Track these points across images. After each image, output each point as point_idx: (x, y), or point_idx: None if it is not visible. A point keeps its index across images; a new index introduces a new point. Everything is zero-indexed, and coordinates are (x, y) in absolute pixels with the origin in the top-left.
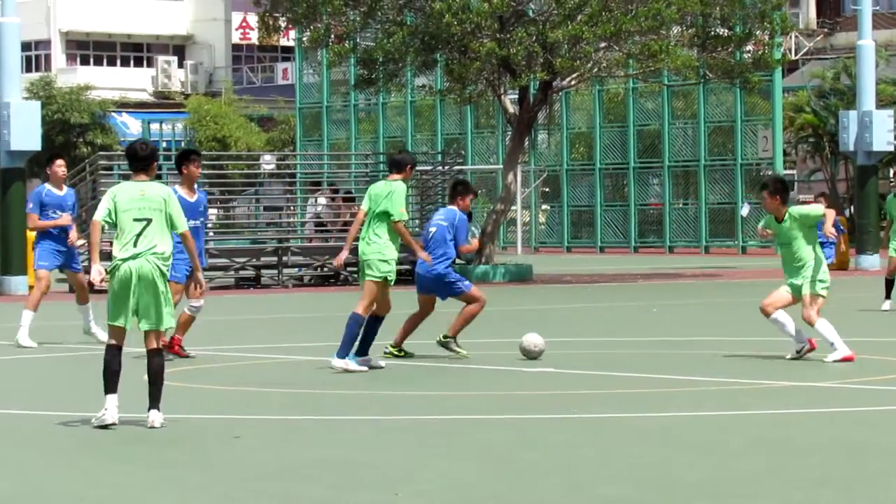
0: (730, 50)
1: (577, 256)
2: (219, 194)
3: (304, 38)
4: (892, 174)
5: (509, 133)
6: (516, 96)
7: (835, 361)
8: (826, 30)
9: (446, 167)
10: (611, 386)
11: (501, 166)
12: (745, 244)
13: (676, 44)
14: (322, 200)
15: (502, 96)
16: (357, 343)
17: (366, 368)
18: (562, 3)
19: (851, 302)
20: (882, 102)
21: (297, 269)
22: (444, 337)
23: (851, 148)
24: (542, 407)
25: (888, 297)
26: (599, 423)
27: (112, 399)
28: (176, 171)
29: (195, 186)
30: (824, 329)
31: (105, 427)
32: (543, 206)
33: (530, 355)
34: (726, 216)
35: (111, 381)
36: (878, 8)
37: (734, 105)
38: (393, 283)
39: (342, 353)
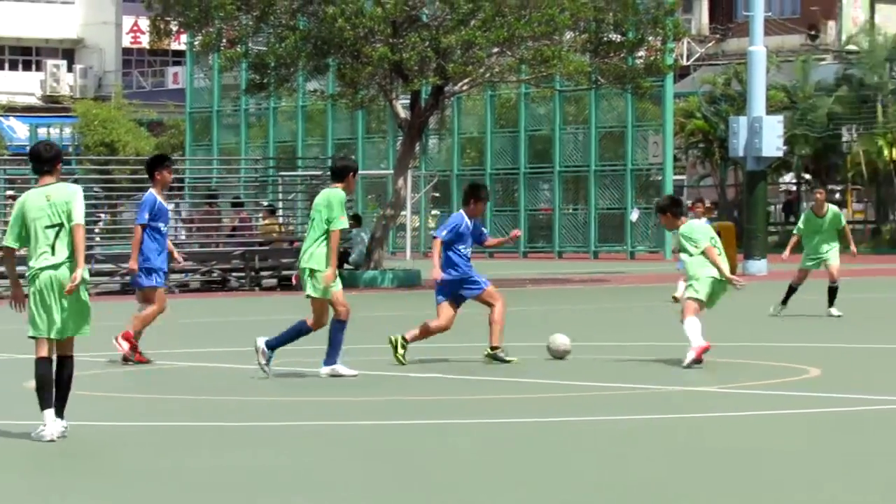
0: (622, 55)
1: None
2: (106, 199)
3: (196, 43)
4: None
5: (400, 138)
6: (408, 101)
7: (688, 364)
8: (718, 36)
9: None
10: (499, 391)
11: (392, 171)
12: (634, 249)
13: (569, 49)
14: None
15: (394, 101)
16: (277, 337)
17: (356, 373)
18: (455, 8)
19: (739, 307)
20: (772, 108)
21: (183, 275)
22: (492, 349)
23: (741, 153)
24: (431, 412)
25: (784, 303)
26: (488, 428)
27: (49, 414)
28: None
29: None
30: (687, 327)
31: (48, 441)
32: (433, 212)
33: (557, 355)
34: (616, 221)
35: (46, 396)
36: (769, 14)
37: (625, 110)
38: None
39: (330, 361)
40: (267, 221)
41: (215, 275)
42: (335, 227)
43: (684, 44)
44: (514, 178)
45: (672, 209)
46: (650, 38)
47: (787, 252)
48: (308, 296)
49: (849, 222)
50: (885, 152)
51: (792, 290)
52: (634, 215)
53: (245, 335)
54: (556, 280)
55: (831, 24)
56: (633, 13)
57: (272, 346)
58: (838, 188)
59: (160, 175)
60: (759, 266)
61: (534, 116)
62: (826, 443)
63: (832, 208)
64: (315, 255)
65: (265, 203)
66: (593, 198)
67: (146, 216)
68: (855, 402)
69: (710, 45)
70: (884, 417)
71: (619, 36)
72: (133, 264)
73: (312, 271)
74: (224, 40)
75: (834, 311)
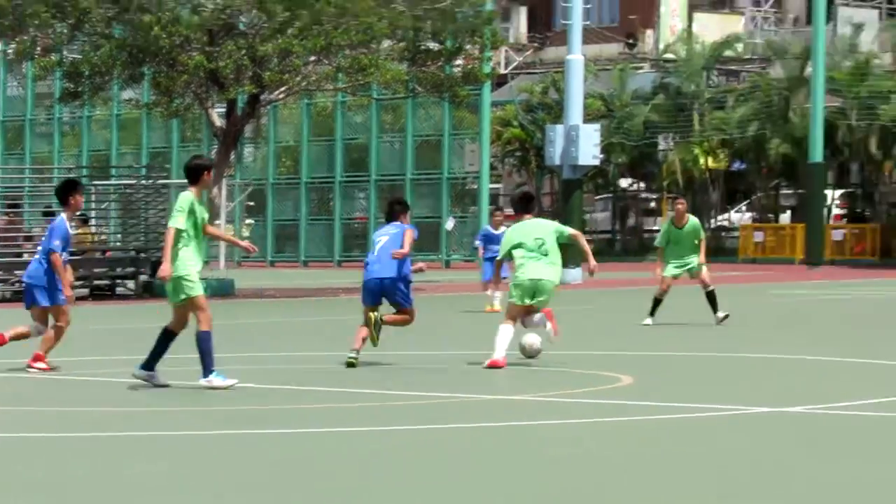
0: (440, 64)
1: (280, 271)
2: None
3: (10, 51)
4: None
5: (216, 147)
6: (224, 110)
7: (486, 367)
8: (536, 44)
9: (150, 181)
10: (308, 401)
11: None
12: (450, 258)
13: (386, 58)
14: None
15: (210, 109)
16: (147, 356)
17: (234, 382)
18: (272, 16)
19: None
20: (589, 117)
21: None
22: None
23: (557, 162)
24: (235, 422)
25: (652, 314)
26: (297, 438)
27: None
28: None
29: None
30: (499, 334)
31: None
32: (248, 220)
33: (528, 354)
34: (432, 230)
35: None
36: (587, 23)
37: (442, 119)
38: (192, 297)
39: (206, 372)
40: (79, 231)
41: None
42: (168, 224)
43: (502, 52)
44: (330, 187)
45: (516, 206)
46: (468, 47)
47: (658, 270)
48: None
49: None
50: (701, 161)
51: (657, 301)
52: (450, 224)
53: (66, 346)
54: None
55: (649, 32)
56: (450, 22)
57: (144, 366)
58: (654, 196)
59: (74, 199)
60: (573, 275)
61: (350, 125)
62: (634, 450)
63: (692, 219)
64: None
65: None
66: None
67: (59, 243)
68: (667, 411)
69: (527, 53)
70: (695, 425)
71: (436, 45)
72: (68, 291)
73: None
74: (38, 48)
75: (720, 314)
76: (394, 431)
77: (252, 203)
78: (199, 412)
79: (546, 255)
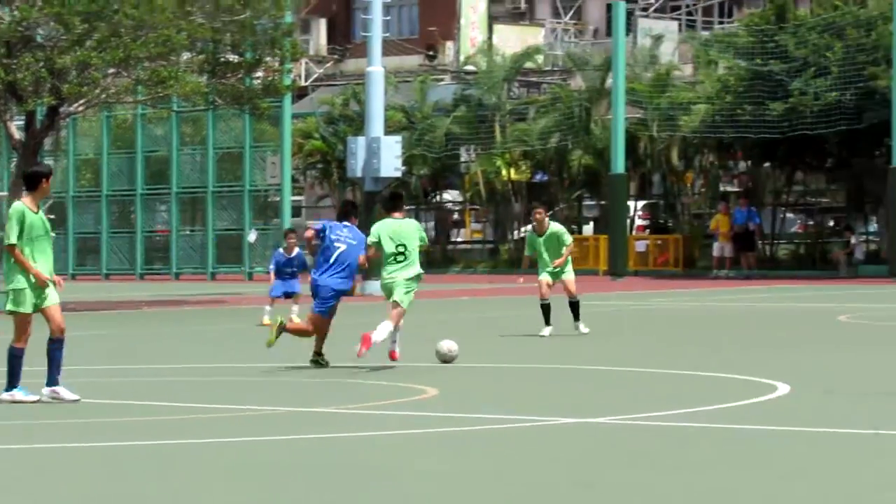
0: (240, 76)
1: (81, 284)
2: None
3: None
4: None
5: (15, 160)
6: (23, 122)
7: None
8: (336, 56)
9: None
10: (118, 414)
11: (6, 193)
12: (252, 270)
13: (186, 70)
14: None
15: (8, 122)
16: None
17: (35, 398)
18: (70, 28)
19: (356, 327)
20: (391, 129)
21: None
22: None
23: (359, 174)
24: (50, 437)
25: (547, 323)
26: (114, 451)
27: None
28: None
29: None
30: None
31: None
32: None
33: (445, 359)
34: (234, 243)
35: None
36: (388, 35)
37: (243, 131)
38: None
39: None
40: None
41: None
42: (6, 241)
43: (302, 64)
44: (131, 200)
45: (385, 203)
46: (268, 59)
47: (521, 280)
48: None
49: (466, 242)
50: (504, 172)
51: (545, 307)
52: (252, 236)
53: None
54: (173, 302)
55: (449, 44)
56: (250, 34)
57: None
58: (457, 208)
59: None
60: (376, 286)
61: (151, 137)
62: (439, 462)
63: (553, 226)
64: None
65: None
66: (211, 219)
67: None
68: (472, 422)
69: (328, 65)
70: (499, 436)
71: (236, 57)
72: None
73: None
74: None
75: (581, 326)
76: (188, 445)
77: (53, 216)
78: None
79: (405, 258)
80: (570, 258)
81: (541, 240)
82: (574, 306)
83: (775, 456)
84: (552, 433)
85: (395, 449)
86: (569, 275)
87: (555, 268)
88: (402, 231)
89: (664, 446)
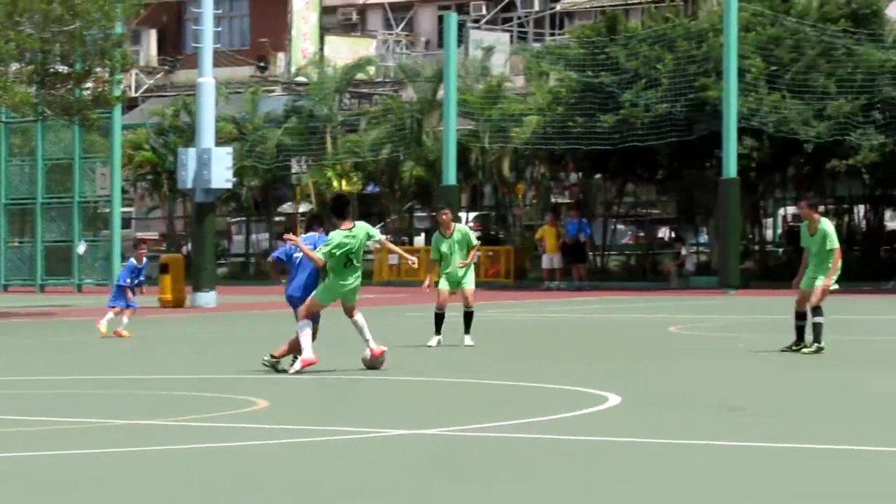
0: (69, 87)
1: None
2: None
3: None
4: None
5: None
6: None
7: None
8: (167, 67)
9: None
10: None
11: None
12: (82, 282)
13: (15, 80)
14: None
15: None
16: None
17: None
18: None
19: (184, 339)
20: (221, 140)
21: None
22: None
23: (190, 185)
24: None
25: (437, 332)
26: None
27: None
28: None
29: None
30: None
31: None
32: None
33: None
34: (63, 254)
35: None
36: (218, 46)
37: (72, 142)
38: None
39: None
40: None
41: None
42: None
43: (132, 75)
44: None
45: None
46: (98, 70)
47: (427, 282)
48: None
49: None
50: (335, 183)
51: (438, 317)
52: (82, 248)
53: None
54: (0, 314)
55: (281, 55)
56: (80, 45)
57: None
58: (280, 218)
59: None
60: (207, 298)
61: None
62: (271, 473)
63: (459, 227)
64: None
65: None
66: (40, 230)
67: None
68: (303, 434)
69: (158, 76)
70: (330, 448)
71: (66, 67)
72: None
73: None
74: None
75: (468, 339)
76: (19, 458)
77: None
78: None
79: (352, 262)
80: (472, 267)
81: (450, 241)
82: (468, 316)
83: (606, 466)
84: (382, 445)
85: (226, 462)
86: (469, 284)
87: (459, 267)
88: (351, 238)
89: (496, 458)
